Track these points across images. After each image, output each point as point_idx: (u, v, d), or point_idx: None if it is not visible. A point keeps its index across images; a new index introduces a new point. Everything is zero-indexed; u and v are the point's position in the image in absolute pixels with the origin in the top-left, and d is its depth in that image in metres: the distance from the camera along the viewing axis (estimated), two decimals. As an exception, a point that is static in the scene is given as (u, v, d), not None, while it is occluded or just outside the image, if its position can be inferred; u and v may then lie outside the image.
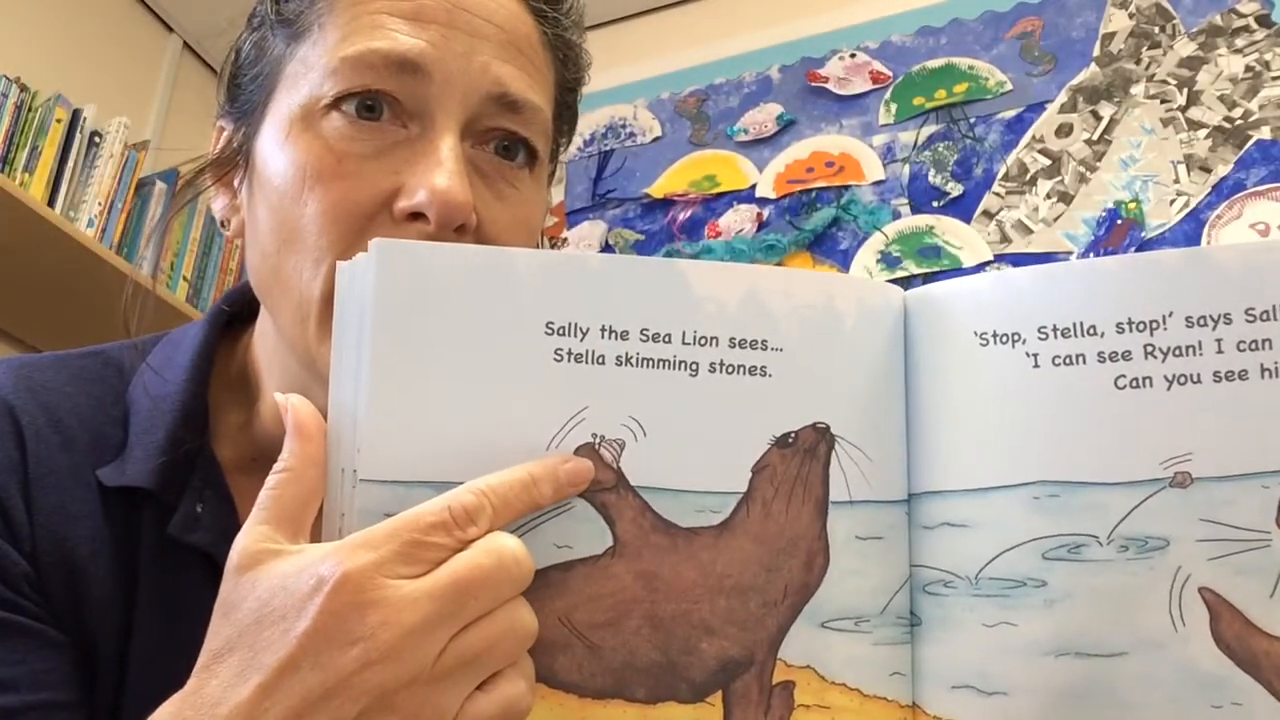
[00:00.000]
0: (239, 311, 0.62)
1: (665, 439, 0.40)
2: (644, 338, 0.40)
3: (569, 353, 0.40)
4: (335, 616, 0.36)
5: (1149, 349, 0.38)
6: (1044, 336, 0.40)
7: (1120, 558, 0.38)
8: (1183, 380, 0.38)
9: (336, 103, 0.52)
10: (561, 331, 0.40)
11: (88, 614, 0.52)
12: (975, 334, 0.41)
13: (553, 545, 0.39)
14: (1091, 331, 0.39)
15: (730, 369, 0.40)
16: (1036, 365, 0.40)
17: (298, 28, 0.54)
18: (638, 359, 0.40)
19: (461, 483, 0.38)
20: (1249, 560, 0.37)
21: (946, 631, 0.40)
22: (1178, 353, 0.38)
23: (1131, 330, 0.39)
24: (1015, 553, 0.39)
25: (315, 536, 0.41)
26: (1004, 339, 0.40)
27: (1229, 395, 0.38)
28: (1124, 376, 0.39)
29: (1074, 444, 0.39)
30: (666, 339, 0.40)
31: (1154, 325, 0.39)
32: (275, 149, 0.53)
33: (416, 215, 0.50)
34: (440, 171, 0.50)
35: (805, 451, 0.40)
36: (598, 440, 0.39)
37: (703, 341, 0.40)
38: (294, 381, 0.56)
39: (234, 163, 0.58)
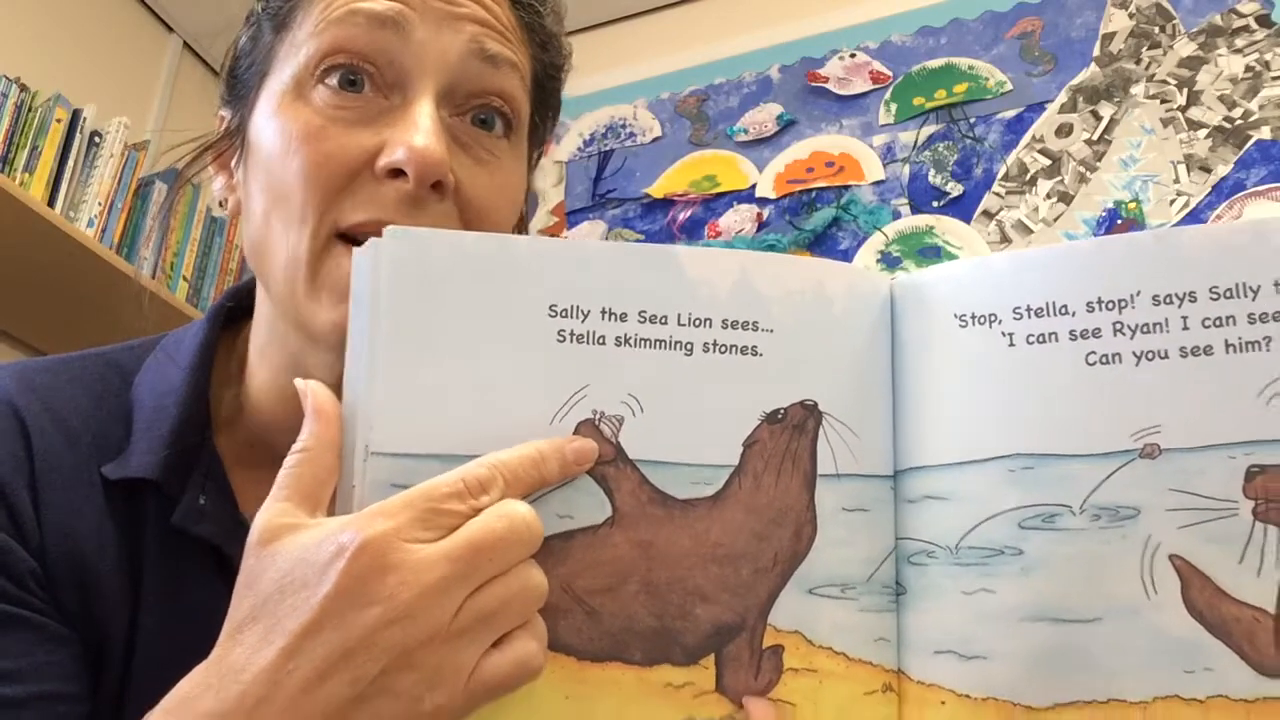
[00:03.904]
0: (240, 305, 0.63)
1: (662, 415, 0.41)
2: (642, 319, 0.42)
3: (571, 334, 0.42)
4: (356, 579, 0.37)
5: (1118, 326, 0.40)
6: (1018, 316, 0.41)
7: (1093, 526, 0.39)
8: (1150, 356, 0.40)
9: (322, 76, 0.54)
10: (564, 314, 0.42)
11: (96, 608, 0.53)
12: (955, 316, 0.42)
13: (555, 515, 0.41)
14: (1063, 311, 0.41)
15: (723, 349, 0.42)
16: (1012, 344, 0.41)
17: (285, 17, 0.57)
18: (636, 339, 0.42)
19: (470, 457, 0.40)
20: (1218, 529, 0.39)
21: (929, 599, 0.41)
22: (1145, 330, 0.40)
23: (1101, 309, 0.41)
24: (993, 523, 0.40)
25: (332, 515, 0.42)
26: (981, 320, 0.42)
27: (1195, 370, 0.39)
28: (1094, 353, 0.40)
29: (1048, 418, 0.40)
30: (663, 320, 0.42)
31: (1122, 304, 0.40)
32: (267, 121, 0.56)
33: (396, 173, 0.52)
34: (417, 132, 0.52)
35: (794, 427, 0.42)
36: (598, 416, 0.41)
37: (697, 323, 0.42)
38: (290, 354, 0.57)
39: (230, 144, 0.60)
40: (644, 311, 0.42)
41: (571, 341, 0.42)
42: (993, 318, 0.42)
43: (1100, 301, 0.41)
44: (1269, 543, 0.38)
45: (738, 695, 0.41)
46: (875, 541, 0.42)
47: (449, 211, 0.54)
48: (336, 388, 0.48)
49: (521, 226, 0.65)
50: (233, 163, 0.60)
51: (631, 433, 0.41)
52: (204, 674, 0.39)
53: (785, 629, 0.41)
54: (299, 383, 0.45)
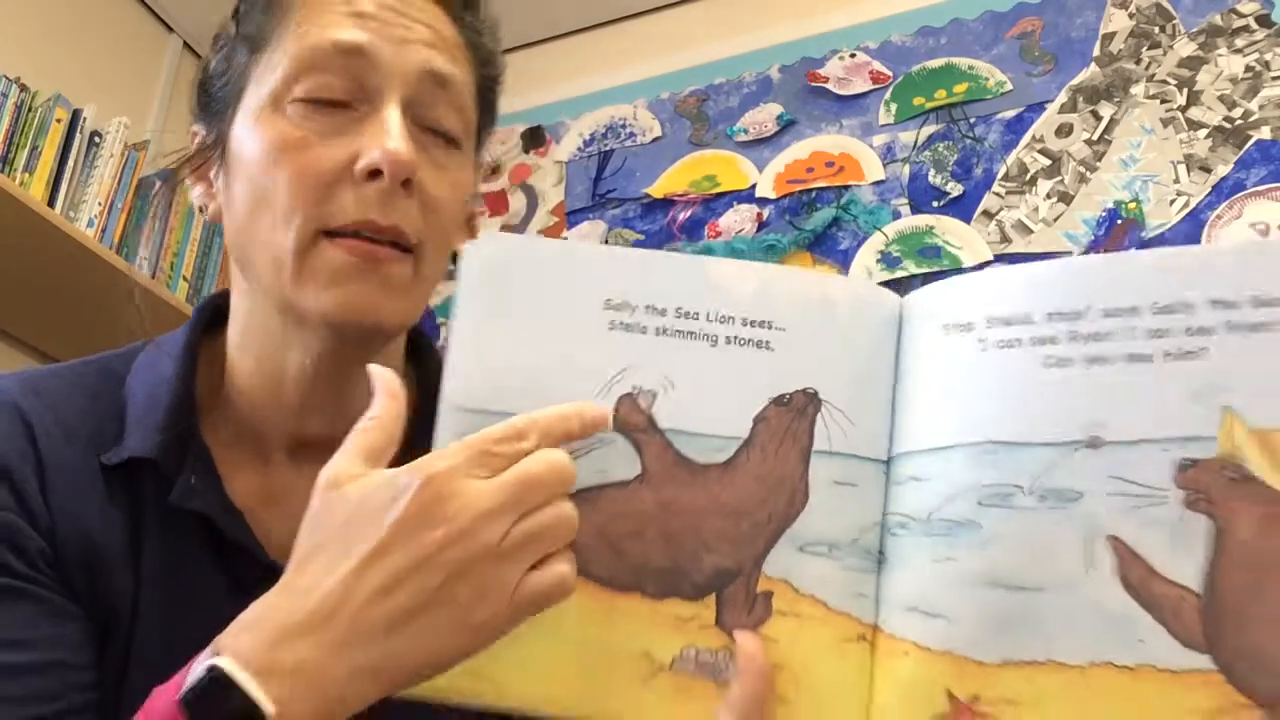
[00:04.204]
0: (221, 308, 0.69)
1: (688, 393, 0.50)
2: (678, 314, 0.51)
3: (620, 323, 0.51)
4: (422, 506, 0.44)
5: (1072, 334, 0.47)
6: (990, 325, 0.48)
7: (1042, 507, 0.45)
8: (1098, 361, 0.46)
9: (298, 94, 0.61)
10: (615, 307, 0.51)
11: (103, 586, 0.58)
12: (942, 325, 0.49)
13: (595, 470, 0.50)
14: (1027, 320, 0.48)
15: (742, 342, 0.50)
16: (984, 349, 0.48)
17: (258, 40, 0.63)
18: (672, 330, 0.51)
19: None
20: (1151, 514, 0.44)
21: (903, 565, 0.48)
22: (1095, 338, 0.46)
23: (1059, 320, 0.47)
24: (958, 499, 0.47)
25: None
26: (961, 328, 0.49)
27: (1136, 374, 0.45)
28: (1051, 357, 0.47)
29: (1010, 411, 0.47)
30: (695, 316, 0.51)
31: (1076, 315, 0.47)
32: (248, 133, 0.62)
33: (374, 173, 0.59)
34: (389, 135, 0.59)
35: (797, 410, 0.49)
36: (637, 391, 0.50)
37: (723, 319, 0.51)
38: (270, 340, 0.63)
39: (209, 156, 0.66)
40: (680, 308, 0.51)
41: (620, 330, 0.51)
42: (970, 326, 0.49)
43: (1058, 313, 0.47)
44: (1196, 529, 0.43)
45: (731, 630, 0.49)
46: (862, 512, 0.49)
47: (413, 208, 0.60)
48: (315, 364, 0.62)
49: (471, 224, 0.71)
50: (211, 173, 0.66)
51: (662, 406, 0.50)
52: (274, 597, 0.45)
53: (775, 577, 0.48)
54: (372, 369, 0.51)
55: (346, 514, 0.45)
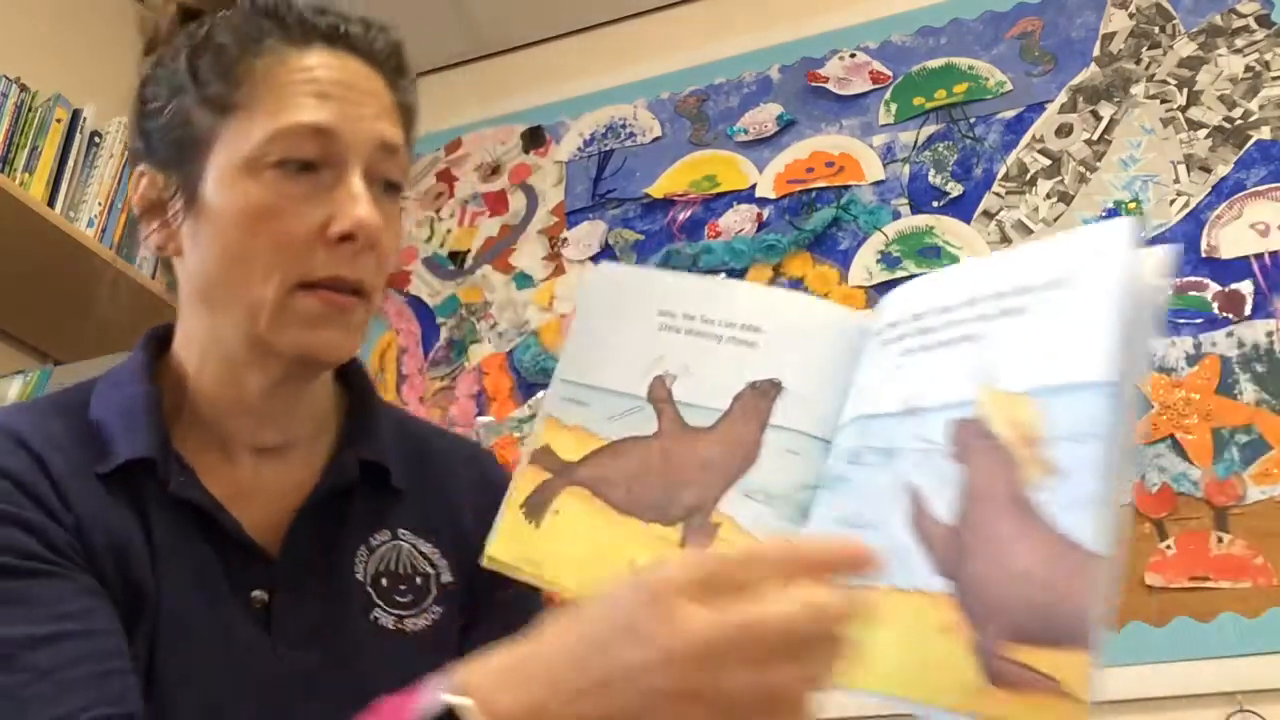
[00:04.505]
0: (163, 335, 0.79)
1: (696, 375, 0.65)
2: (701, 320, 0.67)
3: (666, 325, 0.67)
4: (635, 618, 0.46)
5: (919, 329, 0.59)
6: (885, 328, 0.61)
7: (877, 463, 0.57)
8: (926, 349, 0.58)
9: (272, 164, 0.69)
10: (664, 314, 0.68)
11: (131, 570, 0.66)
12: (874, 332, 0.62)
13: (628, 427, 0.65)
14: (899, 321, 0.60)
15: (737, 341, 0.65)
16: (881, 346, 0.61)
17: (225, 105, 0.71)
18: (696, 331, 0.67)
19: (602, 388, 0.67)
20: (932, 465, 0.54)
21: (813, 513, 0.60)
22: (927, 331, 0.58)
23: (914, 319, 0.60)
24: (841, 462, 0.60)
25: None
26: (879, 331, 0.62)
27: (942, 355, 0.57)
28: (906, 349, 0.59)
29: (875, 391, 0.60)
30: (710, 321, 0.67)
31: (920, 315, 0.59)
32: (223, 192, 0.70)
33: (346, 237, 0.69)
34: (359, 204, 0.69)
35: (763, 393, 0.63)
36: (665, 375, 0.66)
37: (727, 324, 0.66)
38: (229, 359, 0.73)
39: (173, 204, 0.74)
40: (703, 315, 0.67)
41: (666, 330, 0.67)
42: (880, 330, 0.62)
43: (916, 314, 0.60)
44: (954, 477, 0.53)
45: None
46: (802, 476, 0.61)
47: (371, 261, 0.71)
48: (273, 385, 0.73)
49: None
50: (170, 215, 0.74)
51: (678, 386, 0.66)
52: (523, 659, 0.48)
53: (724, 513, 0.61)
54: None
55: (595, 611, 0.48)
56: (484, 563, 0.63)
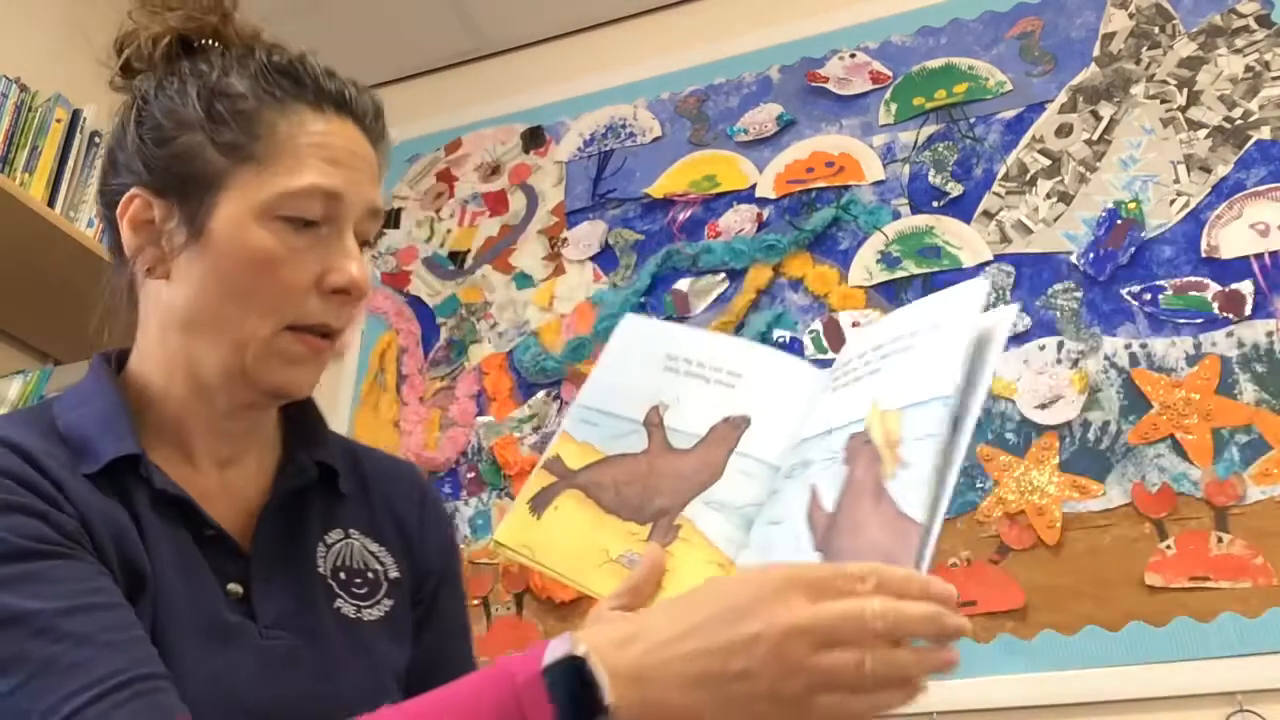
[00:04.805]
0: (117, 359, 0.85)
1: (685, 407, 0.79)
2: (696, 364, 0.81)
3: (668, 367, 0.81)
4: (741, 604, 0.58)
5: (845, 370, 0.74)
6: (831, 372, 0.77)
7: (799, 473, 0.71)
8: (848, 385, 0.73)
9: (282, 216, 0.76)
10: (670, 357, 0.82)
11: (130, 557, 0.71)
12: (830, 375, 0.77)
13: (625, 448, 0.79)
14: (837, 366, 0.76)
15: (720, 382, 0.80)
16: (827, 386, 0.76)
17: (241, 154, 0.77)
18: (690, 372, 0.81)
19: (612, 414, 0.81)
20: (834, 470, 0.68)
21: (755, 520, 0.73)
22: (850, 370, 0.74)
23: (843, 364, 0.75)
24: (780, 477, 0.74)
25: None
26: (830, 378, 0.76)
27: (858, 387, 0.72)
28: (836, 386, 0.75)
29: (813, 419, 0.74)
30: (703, 365, 0.81)
31: (849, 359, 0.75)
32: (233, 233, 0.76)
33: (340, 290, 0.77)
34: (354, 264, 0.78)
35: (734, 426, 0.77)
36: (660, 406, 0.80)
37: (714, 368, 0.80)
38: (207, 387, 0.79)
39: (171, 233, 0.78)
40: (698, 360, 0.81)
41: (667, 371, 0.81)
42: (830, 376, 0.76)
43: (846, 359, 0.75)
44: (842, 475, 0.67)
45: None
46: (751, 495, 0.74)
47: (352, 312, 0.80)
48: (240, 409, 0.80)
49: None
50: (164, 241, 0.78)
51: (669, 414, 0.79)
52: (637, 627, 0.59)
53: (687, 517, 0.74)
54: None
55: (724, 592, 0.59)
56: (490, 544, 0.75)
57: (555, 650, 0.57)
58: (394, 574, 0.86)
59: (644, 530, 0.75)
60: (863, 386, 0.71)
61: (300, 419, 0.87)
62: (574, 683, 0.56)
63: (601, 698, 0.56)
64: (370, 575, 0.84)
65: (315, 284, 0.77)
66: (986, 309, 0.68)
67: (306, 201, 0.76)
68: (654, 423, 0.79)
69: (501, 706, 0.56)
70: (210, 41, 0.82)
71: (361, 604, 0.82)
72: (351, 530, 0.85)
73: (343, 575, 0.83)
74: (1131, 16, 1.93)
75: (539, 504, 0.78)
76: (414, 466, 1.00)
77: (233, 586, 0.76)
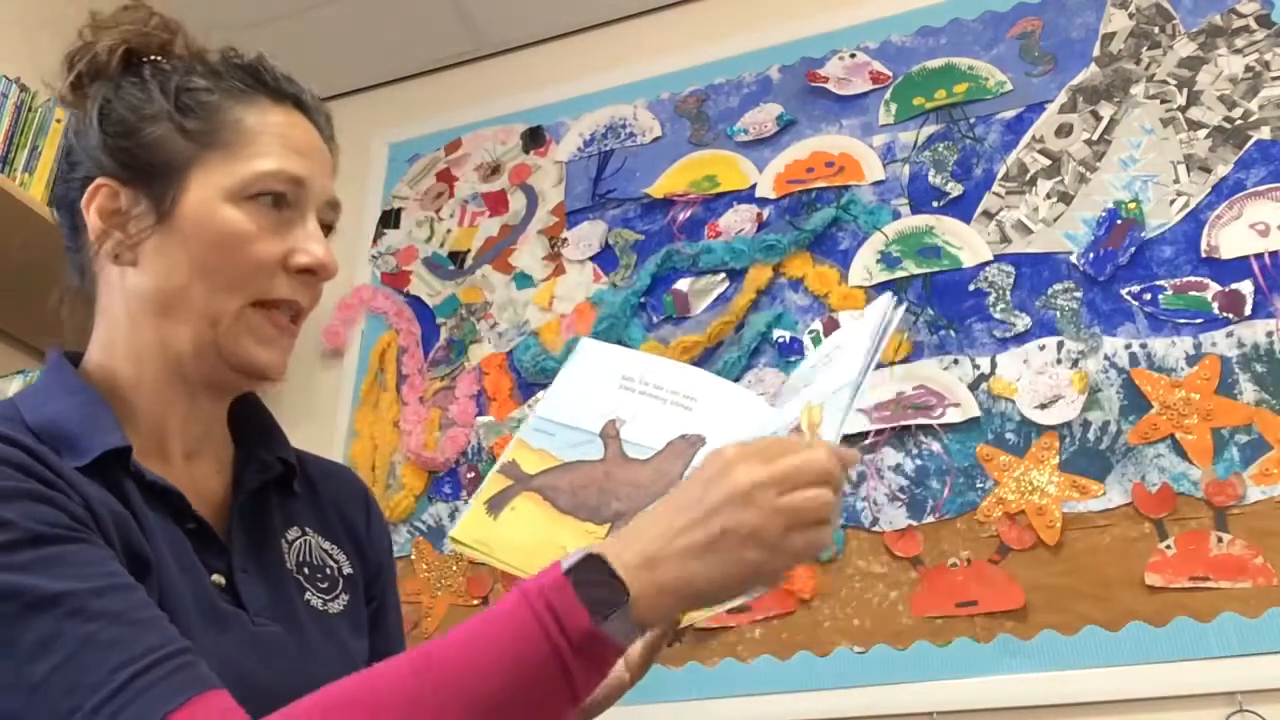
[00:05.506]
0: (72, 355, 0.86)
1: (641, 423, 0.85)
2: (652, 386, 0.87)
3: (624, 387, 0.88)
4: (712, 475, 0.68)
5: (788, 386, 0.85)
6: (780, 396, 0.87)
7: None
8: (790, 396, 0.83)
9: (253, 196, 0.81)
10: (625, 378, 0.88)
11: (133, 541, 0.73)
12: (779, 400, 0.87)
13: (582, 453, 0.84)
14: (781, 385, 0.83)
15: (677, 404, 0.86)
16: (779, 405, 0.86)
17: (208, 140, 0.81)
18: (646, 392, 0.87)
19: (572, 427, 0.86)
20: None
21: None
22: (791, 386, 0.85)
23: (785, 383, 0.83)
24: None
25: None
26: (779, 402, 0.86)
27: (795, 397, 0.81)
28: (783, 399, 0.85)
29: (764, 425, 0.82)
30: (660, 387, 0.88)
31: (790, 378, 0.86)
32: (203, 216, 0.80)
33: (306, 270, 0.82)
34: (318, 244, 0.83)
35: (691, 443, 0.83)
36: (616, 419, 0.85)
37: (671, 391, 0.87)
38: (179, 369, 0.81)
39: (138, 220, 0.81)
40: (655, 383, 0.88)
41: (623, 390, 0.87)
42: (779, 399, 0.87)
43: (788, 377, 0.85)
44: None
45: None
46: None
47: (315, 293, 0.85)
48: (205, 394, 0.83)
49: None
50: (130, 225, 0.81)
51: (625, 429, 0.85)
52: (641, 524, 0.68)
53: None
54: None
55: (691, 479, 0.69)
56: (447, 541, 0.74)
57: (571, 559, 0.65)
58: (348, 570, 0.90)
59: (601, 530, 0.80)
60: (801, 394, 0.81)
61: (252, 418, 0.90)
62: (594, 581, 0.64)
63: (624, 589, 0.63)
64: (328, 571, 0.89)
65: (281, 263, 0.81)
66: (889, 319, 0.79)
67: (275, 183, 0.81)
68: (610, 435, 0.85)
69: (537, 615, 0.62)
70: (160, 58, 0.86)
71: (325, 597, 0.87)
72: (306, 528, 0.89)
73: (306, 570, 0.86)
74: (1131, 16, 1.93)
75: (496, 505, 0.82)
76: (351, 469, 1.04)
77: (216, 577, 0.79)
